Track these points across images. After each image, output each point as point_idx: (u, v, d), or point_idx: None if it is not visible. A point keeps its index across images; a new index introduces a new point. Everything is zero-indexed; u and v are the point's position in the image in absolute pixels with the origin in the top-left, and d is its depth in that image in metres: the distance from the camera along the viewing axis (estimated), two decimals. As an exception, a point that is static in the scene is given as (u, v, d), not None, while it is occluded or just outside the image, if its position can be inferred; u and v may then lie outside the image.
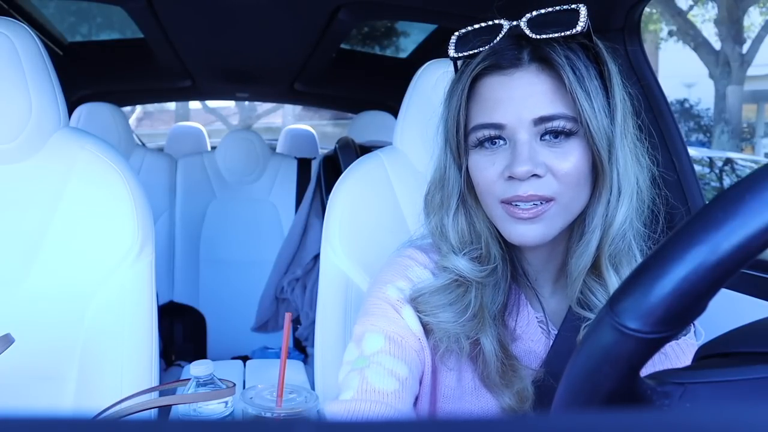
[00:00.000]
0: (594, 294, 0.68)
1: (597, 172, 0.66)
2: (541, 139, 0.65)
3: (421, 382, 0.71)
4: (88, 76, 2.40)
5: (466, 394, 0.73)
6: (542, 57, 0.65)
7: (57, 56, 2.11)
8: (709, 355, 0.45)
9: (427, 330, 0.71)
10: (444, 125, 0.71)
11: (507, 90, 0.65)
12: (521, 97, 0.64)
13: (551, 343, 0.72)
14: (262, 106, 12.11)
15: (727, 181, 5.12)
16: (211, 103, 12.26)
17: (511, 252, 0.73)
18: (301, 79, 2.55)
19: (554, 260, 0.73)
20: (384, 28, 2.60)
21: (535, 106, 0.64)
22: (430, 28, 2.00)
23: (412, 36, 2.39)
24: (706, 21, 9.45)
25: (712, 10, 9.43)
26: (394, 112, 1.84)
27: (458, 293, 0.70)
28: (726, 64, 8.97)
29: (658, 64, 10.67)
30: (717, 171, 5.26)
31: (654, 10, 9.26)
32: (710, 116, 10.69)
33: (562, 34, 0.64)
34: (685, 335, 0.75)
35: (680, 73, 10.67)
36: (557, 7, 0.65)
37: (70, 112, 2.25)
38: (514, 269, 0.73)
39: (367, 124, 2.60)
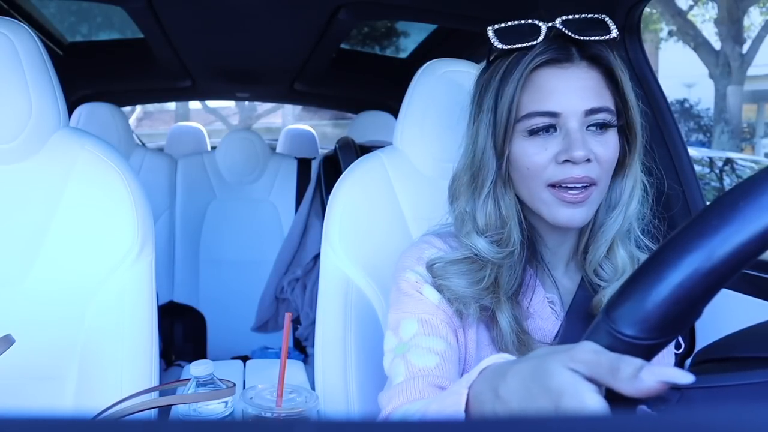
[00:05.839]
0: (603, 268, 0.78)
1: (620, 162, 0.76)
2: (587, 129, 0.72)
3: (458, 342, 0.78)
4: (88, 76, 2.40)
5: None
6: (591, 55, 0.72)
7: (57, 56, 2.11)
8: (705, 360, 0.45)
9: (442, 293, 0.77)
10: (491, 113, 0.74)
11: (562, 81, 0.71)
12: (574, 89, 0.71)
13: (561, 322, 0.78)
14: (262, 106, 12.09)
15: (727, 181, 5.12)
16: (211, 103, 12.25)
17: (531, 236, 0.78)
18: (301, 79, 2.54)
19: (569, 242, 0.80)
20: (384, 28, 2.60)
21: (586, 98, 0.71)
22: (430, 28, 2.00)
23: (412, 36, 2.39)
24: (706, 21, 9.44)
25: (712, 10, 9.41)
26: (394, 112, 1.84)
27: (473, 267, 0.76)
28: (726, 64, 8.96)
29: (658, 64, 10.66)
30: (717, 171, 5.26)
31: (654, 10, 9.26)
32: (710, 116, 10.68)
33: (603, 37, 0.72)
34: None
35: (680, 73, 10.66)
36: (587, 15, 0.73)
37: (70, 112, 2.24)
38: (533, 253, 0.79)
39: (367, 125, 2.59)
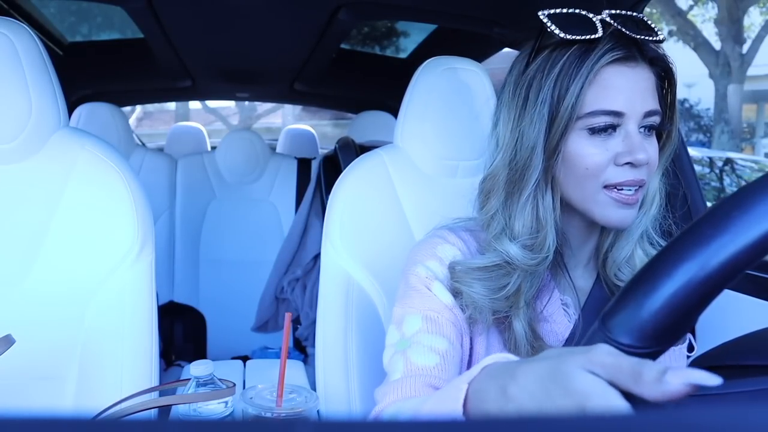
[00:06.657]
0: (620, 269, 0.77)
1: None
2: (638, 130, 0.70)
3: (462, 346, 0.75)
4: (88, 76, 2.40)
5: None
6: (651, 57, 0.71)
7: (57, 56, 2.11)
8: (703, 367, 0.46)
9: (456, 297, 0.75)
10: (547, 107, 0.69)
11: (630, 81, 0.69)
12: (638, 90, 0.69)
13: (573, 325, 0.77)
14: (262, 106, 12.09)
15: (727, 181, 5.12)
16: (211, 103, 12.25)
17: (559, 240, 0.75)
18: (301, 79, 2.54)
19: (591, 243, 0.79)
20: (384, 28, 2.60)
21: (646, 100, 0.69)
22: (430, 28, 2.00)
23: (412, 36, 2.39)
24: (706, 21, 9.45)
25: (712, 10, 9.42)
26: (394, 112, 1.84)
27: (498, 274, 0.73)
28: (726, 64, 8.96)
29: (658, 64, 10.63)
30: (717, 171, 5.26)
31: (654, 10, 9.25)
32: (710, 116, 10.68)
33: (657, 38, 0.70)
34: (683, 344, 0.78)
35: (680, 73, 10.60)
36: (633, 13, 0.70)
37: (70, 112, 2.24)
38: (557, 256, 0.75)
39: (367, 124, 2.59)
